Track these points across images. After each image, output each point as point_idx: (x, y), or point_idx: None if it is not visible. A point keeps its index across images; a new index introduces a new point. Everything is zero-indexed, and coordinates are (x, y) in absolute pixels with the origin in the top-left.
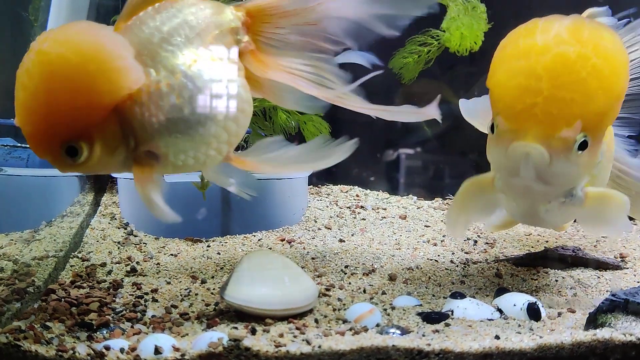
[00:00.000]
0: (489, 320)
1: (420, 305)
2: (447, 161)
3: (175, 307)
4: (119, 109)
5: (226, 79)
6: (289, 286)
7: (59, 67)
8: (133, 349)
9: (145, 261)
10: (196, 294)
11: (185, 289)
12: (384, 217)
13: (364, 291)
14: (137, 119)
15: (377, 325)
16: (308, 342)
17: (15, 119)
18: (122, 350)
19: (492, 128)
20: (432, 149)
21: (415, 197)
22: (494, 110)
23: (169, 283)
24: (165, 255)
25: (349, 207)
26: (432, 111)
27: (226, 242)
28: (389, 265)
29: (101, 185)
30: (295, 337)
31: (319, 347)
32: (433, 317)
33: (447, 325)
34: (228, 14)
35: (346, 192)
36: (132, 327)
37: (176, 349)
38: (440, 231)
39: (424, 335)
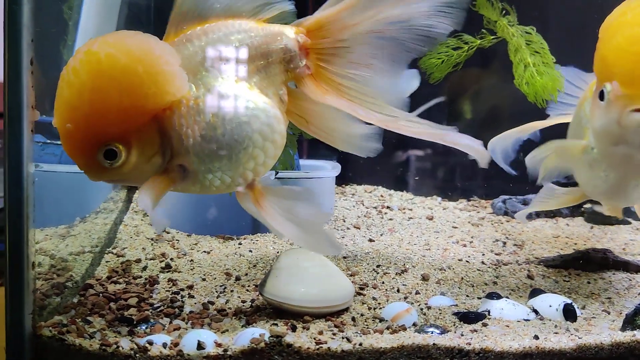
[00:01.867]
0: (526, 320)
1: (456, 305)
2: (469, 163)
3: (212, 303)
4: (159, 118)
5: (260, 108)
6: (327, 284)
7: (107, 66)
8: (175, 344)
9: (179, 258)
10: (231, 291)
11: (221, 286)
12: (411, 218)
13: (398, 290)
14: (176, 131)
15: (414, 324)
16: (348, 340)
17: (54, 118)
18: (164, 345)
19: (600, 95)
20: (455, 151)
21: (440, 198)
22: (606, 76)
23: (204, 279)
24: (198, 252)
25: (375, 207)
26: (483, 151)
27: (257, 240)
28: (420, 266)
29: None
30: (334, 334)
31: (360, 344)
32: (470, 317)
33: (485, 325)
34: (284, 41)
35: (370, 192)
36: (170, 322)
37: (218, 345)
38: (468, 232)
39: (462, 335)
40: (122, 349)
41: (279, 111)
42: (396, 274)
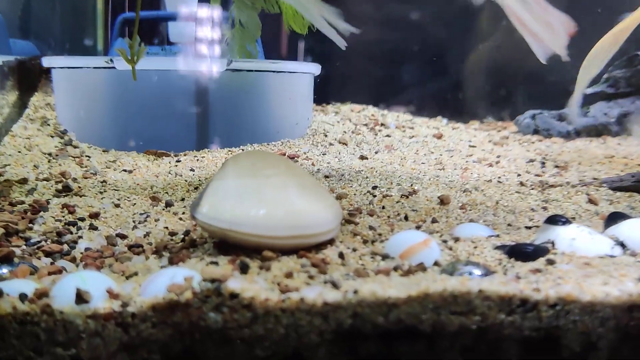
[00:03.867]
0: (610, 257)
1: (497, 236)
2: (475, 85)
3: (124, 237)
4: None
5: None
6: (299, 202)
7: None
8: (42, 295)
9: (86, 178)
10: (157, 220)
11: (141, 214)
12: (413, 136)
13: (406, 218)
14: None
15: (436, 263)
16: (335, 286)
17: None
18: (22, 298)
19: None
20: (458, 71)
21: (446, 120)
22: None
23: (117, 206)
24: (116, 172)
25: (365, 125)
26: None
27: (203, 157)
28: (434, 187)
29: (30, 82)
30: (311, 277)
31: (355, 292)
32: (526, 252)
33: (551, 262)
34: None
35: (358, 112)
36: (52, 263)
37: (113, 296)
38: (491, 151)
39: (519, 277)
40: None
41: None
42: (402, 197)
